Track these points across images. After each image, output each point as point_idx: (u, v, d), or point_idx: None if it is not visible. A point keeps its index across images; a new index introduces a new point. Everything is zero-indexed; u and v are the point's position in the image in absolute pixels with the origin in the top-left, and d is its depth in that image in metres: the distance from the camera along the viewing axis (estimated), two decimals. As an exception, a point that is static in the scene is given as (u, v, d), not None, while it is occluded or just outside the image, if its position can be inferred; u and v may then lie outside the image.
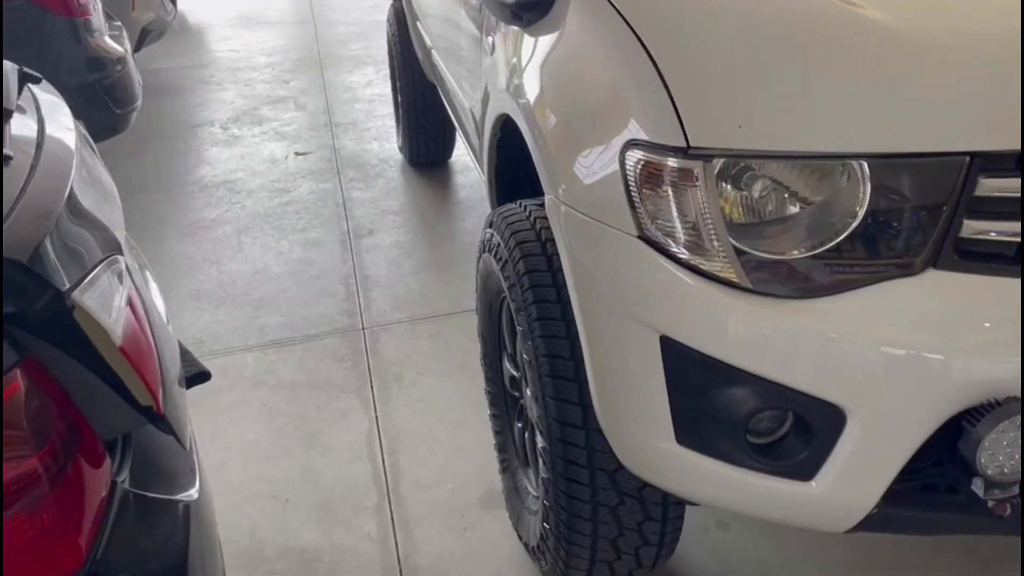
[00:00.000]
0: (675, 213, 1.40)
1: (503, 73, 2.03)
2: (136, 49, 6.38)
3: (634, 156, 1.44)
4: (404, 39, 4.40)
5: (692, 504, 1.75)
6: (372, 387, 2.95)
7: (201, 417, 2.79)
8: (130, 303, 1.26)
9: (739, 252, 1.37)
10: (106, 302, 1.17)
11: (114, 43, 4.66)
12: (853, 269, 1.36)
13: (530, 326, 1.79)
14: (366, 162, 5.00)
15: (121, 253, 1.35)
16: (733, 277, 1.37)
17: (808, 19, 1.48)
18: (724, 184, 1.39)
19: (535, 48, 1.87)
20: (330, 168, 4.93)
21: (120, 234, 1.47)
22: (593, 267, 1.55)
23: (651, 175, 1.42)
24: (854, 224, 1.36)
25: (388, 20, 4.75)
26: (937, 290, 1.33)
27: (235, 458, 2.63)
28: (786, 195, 1.39)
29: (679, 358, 1.43)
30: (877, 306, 1.34)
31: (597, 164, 1.52)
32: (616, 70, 1.59)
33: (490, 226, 2.02)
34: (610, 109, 1.53)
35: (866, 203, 1.35)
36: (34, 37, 4.26)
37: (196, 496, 1.39)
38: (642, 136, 1.44)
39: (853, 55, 1.42)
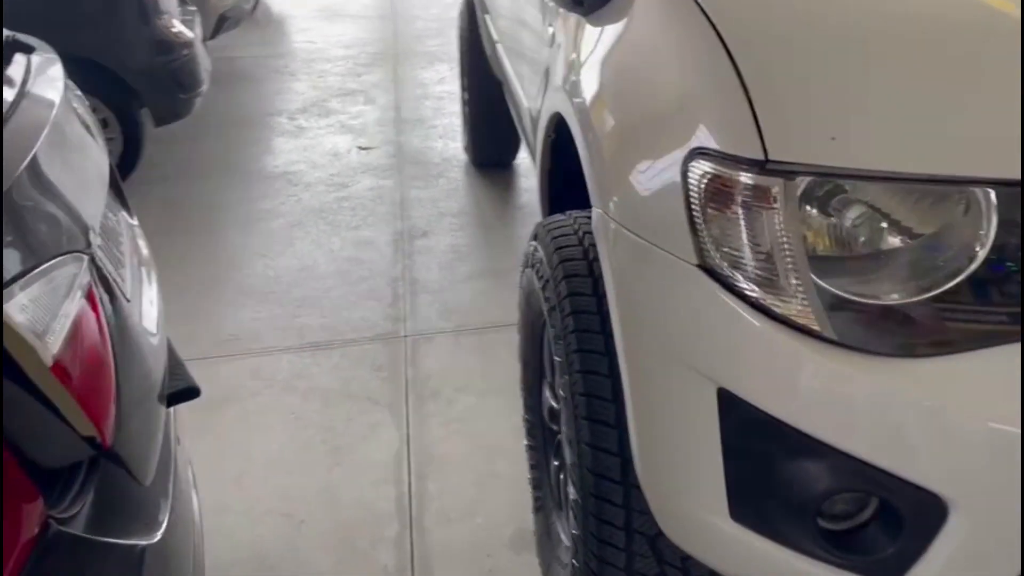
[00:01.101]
0: (745, 240, 1.14)
1: (561, 67, 1.79)
2: (212, 35, 6.35)
3: (699, 168, 1.18)
4: (474, 34, 4.20)
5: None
6: (407, 402, 2.74)
7: (227, 422, 2.64)
8: (84, 313, 1.06)
9: (822, 292, 1.11)
10: (44, 310, 0.98)
11: (183, 27, 4.58)
12: (967, 323, 1.08)
13: (568, 358, 1.55)
14: (429, 160, 4.81)
15: (87, 249, 1.16)
16: (813, 323, 1.11)
17: (928, 9, 1.20)
18: (808, 208, 1.12)
19: (597, 40, 1.63)
20: (392, 165, 4.76)
21: (96, 224, 1.28)
22: (642, 298, 1.30)
23: (719, 192, 1.16)
24: (972, 266, 1.08)
25: (460, 13, 4.56)
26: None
27: (256, 470, 2.45)
28: (886, 225, 1.12)
29: (739, 418, 1.17)
30: (994, 373, 1.06)
31: (656, 176, 1.27)
32: (687, 68, 1.34)
33: (535, 238, 1.79)
34: (676, 113, 1.28)
35: (990, 241, 1.08)
36: (103, 18, 4.20)
37: (156, 539, 1.19)
38: (711, 145, 1.18)
39: (983, 57, 1.14)
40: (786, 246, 1.11)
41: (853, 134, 1.11)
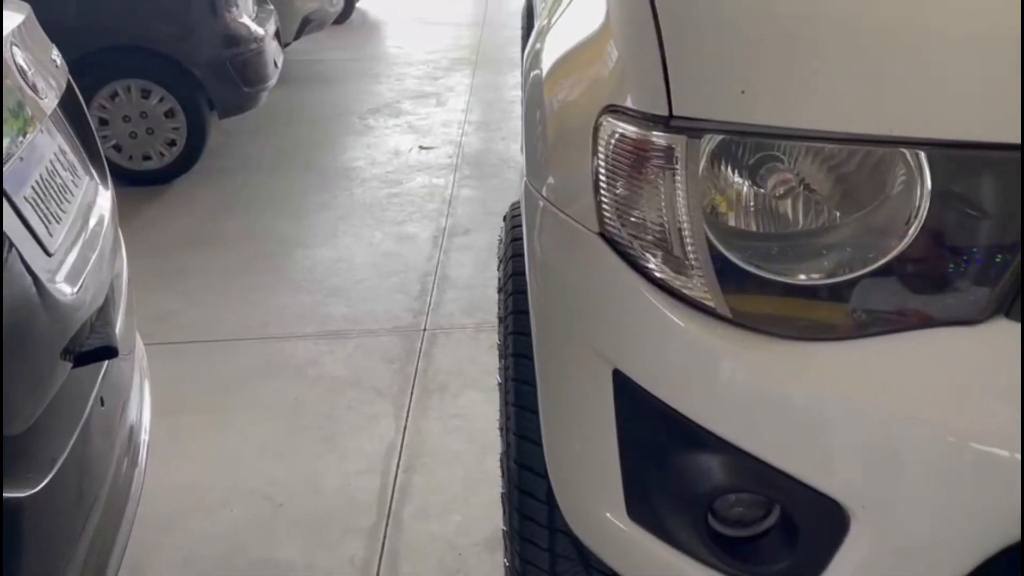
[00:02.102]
0: (644, 204, 1.02)
1: (532, 42, 1.70)
2: (296, 36, 6.52)
3: (606, 128, 1.07)
4: (531, 32, 4.14)
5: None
6: (412, 394, 2.68)
7: (232, 403, 2.64)
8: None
9: (723, 266, 0.98)
10: None
11: (254, 23, 4.69)
12: (889, 310, 0.93)
13: (505, 341, 1.45)
14: (486, 161, 4.77)
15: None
16: (709, 300, 0.98)
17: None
18: (719, 172, 0.99)
19: (560, 11, 1.53)
20: (448, 164, 4.74)
21: None
22: (549, 269, 1.19)
23: (622, 152, 1.04)
24: (902, 245, 0.94)
25: (521, 14, 4.51)
26: (1005, 350, 0.88)
27: (248, 451, 2.44)
28: (808, 198, 0.98)
29: (633, 403, 1.05)
30: (917, 362, 0.91)
31: (571, 138, 1.16)
32: (615, 30, 1.22)
33: (503, 220, 1.70)
34: (595, 69, 1.17)
35: (923, 214, 0.93)
36: (174, 12, 4.34)
37: (29, 493, 1.16)
38: (621, 102, 1.07)
39: (916, 5, 0.99)
40: (684, 212, 0.99)
41: (764, 88, 0.97)
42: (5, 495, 1.12)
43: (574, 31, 1.33)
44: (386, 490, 2.28)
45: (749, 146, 0.99)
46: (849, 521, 0.93)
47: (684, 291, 0.99)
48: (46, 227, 1.42)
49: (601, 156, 1.07)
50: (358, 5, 9.47)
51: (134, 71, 4.31)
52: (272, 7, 5.31)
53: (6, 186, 1.33)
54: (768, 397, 0.94)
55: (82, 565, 1.32)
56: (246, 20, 4.60)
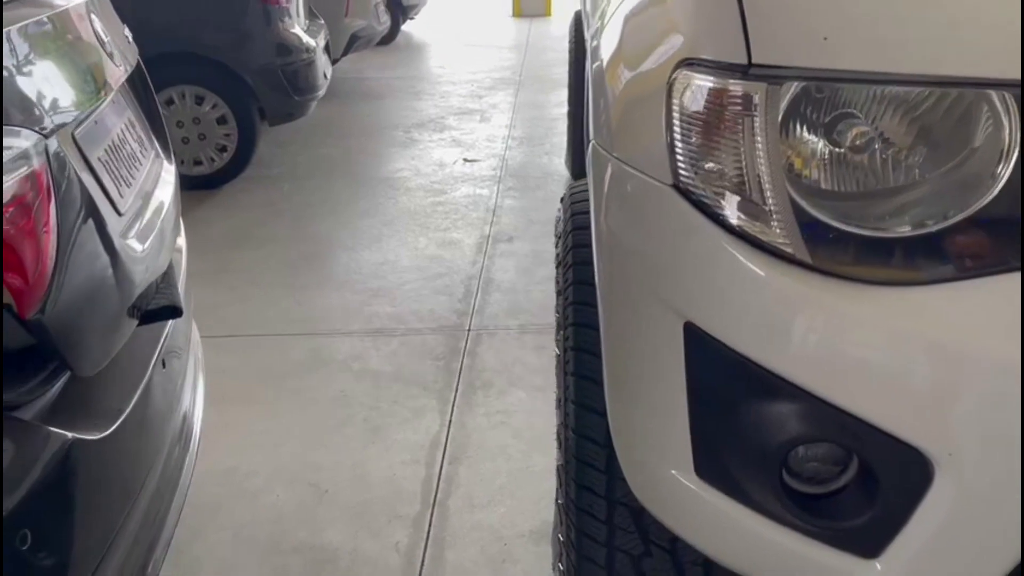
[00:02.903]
0: (721, 153, 1.01)
1: (594, 21, 1.71)
2: (344, 52, 6.63)
3: (682, 79, 1.06)
4: (580, 46, 4.16)
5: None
6: (456, 390, 2.67)
7: (277, 394, 2.65)
8: (26, 185, 1.06)
9: (802, 215, 0.96)
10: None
11: (306, 34, 4.78)
12: (975, 255, 0.91)
13: (564, 312, 1.44)
14: (529, 174, 4.79)
15: (44, 131, 1.16)
16: (787, 246, 0.96)
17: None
18: (800, 125, 0.98)
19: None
20: (493, 176, 4.76)
21: (69, 118, 1.28)
22: (617, 226, 1.18)
23: (699, 103, 1.03)
24: (989, 195, 0.92)
25: (569, 26, 4.55)
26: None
27: (293, 440, 2.44)
28: (891, 152, 0.97)
29: (705, 356, 1.03)
30: (1004, 306, 0.88)
31: (644, 94, 1.16)
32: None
33: (560, 202, 1.70)
34: (668, 24, 1.17)
35: (1014, 159, 0.91)
36: (229, 20, 4.43)
37: (96, 438, 1.17)
38: (697, 54, 1.06)
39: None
40: (763, 159, 0.98)
41: (848, 33, 0.96)
42: (77, 436, 1.13)
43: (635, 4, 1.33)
44: (431, 481, 2.26)
45: (825, 103, 0.98)
46: (933, 472, 0.90)
47: (761, 238, 0.98)
48: (117, 188, 1.44)
49: (677, 110, 1.07)
50: (403, 27, 9.62)
51: (189, 78, 4.40)
52: (323, 22, 5.41)
53: (82, 145, 1.36)
54: (850, 343, 0.92)
55: (135, 532, 1.32)
56: (298, 31, 4.69)
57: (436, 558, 2.00)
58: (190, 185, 4.50)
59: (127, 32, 1.81)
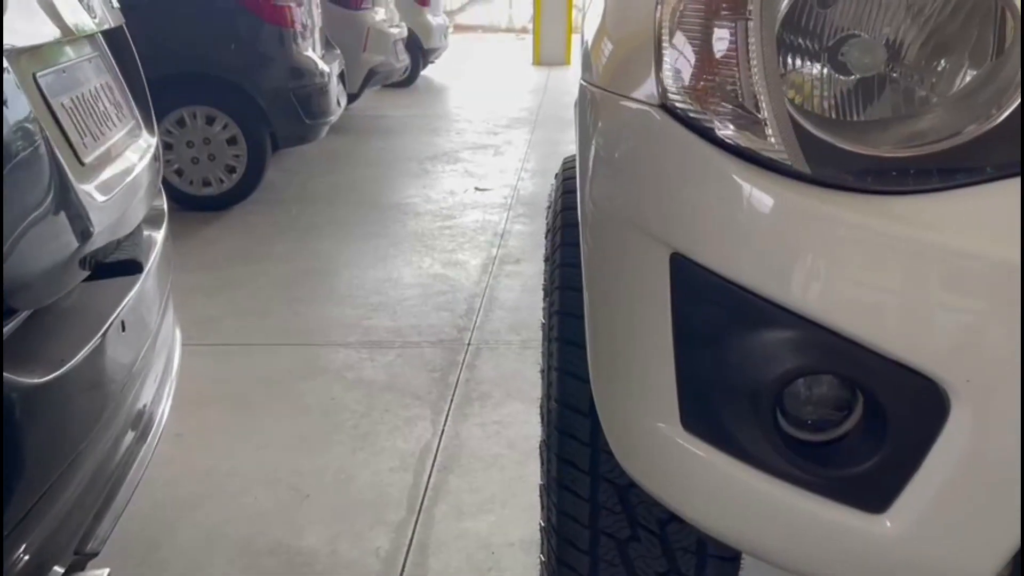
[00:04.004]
0: (712, 65, 0.92)
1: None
2: (361, 87, 6.67)
3: (673, -7, 0.98)
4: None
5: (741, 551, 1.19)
6: (452, 400, 2.56)
7: (267, 398, 2.56)
8: None
9: (801, 130, 0.87)
10: None
11: (320, 59, 4.79)
12: (989, 163, 0.81)
13: (551, 276, 1.34)
14: (540, 202, 4.72)
15: None
16: (787, 159, 0.87)
17: None
18: (798, 39, 0.89)
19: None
20: (503, 204, 4.71)
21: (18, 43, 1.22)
22: (601, 156, 1.09)
23: (687, 14, 0.95)
24: (1002, 115, 0.82)
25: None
26: None
27: (278, 442, 2.33)
28: (904, 77, 0.88)
29: (693, 289, 0.92)
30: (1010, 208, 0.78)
31: (631, 17, 1.07)
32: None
33: (555, 178, 1.61)
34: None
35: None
36: (243, 39, 4.44)
37: (31, 382, 1.07)
38: (689, -32, 0.98)
39: None
40: (757, 65, 0.88)
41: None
42: (11, 377, 1.04)
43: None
44: (419, 488, 2.14)
45: (828, 25, 0.90)
46: (949, 404, 0.78)
47: (756, 150, 0.88)
48: (81, 138, 1.37)
49: (666, 27, 0.98)
50: (423, 71, 9.71)
51: (201, 98, 4.40)
52: (339, 52, 5.44)
53: (43, 87, 1.29)
54: (855, 259, 0.82)
55: (76, 497, 1.22)
56: (311, 55, 4.70)
57: (418, 564, 1.87)
58: (198, 206, 4.47)
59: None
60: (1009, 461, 0.76)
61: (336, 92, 4.92)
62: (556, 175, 1.63)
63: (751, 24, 0.90)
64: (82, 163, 1.34)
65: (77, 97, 1.41)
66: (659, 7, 0.99)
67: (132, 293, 1.44)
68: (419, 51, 8.93)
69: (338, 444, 2.33)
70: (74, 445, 1.18)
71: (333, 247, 3.98)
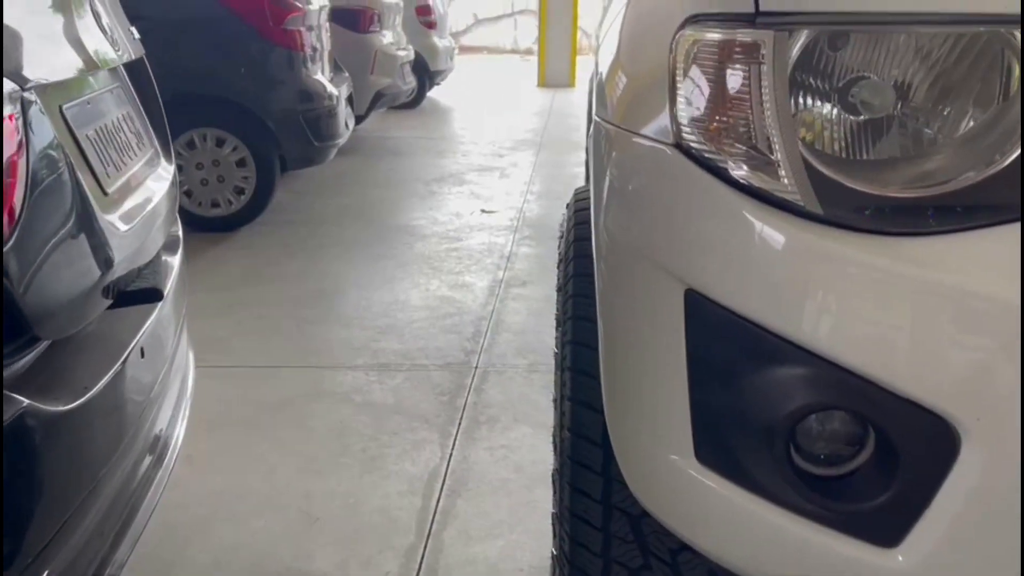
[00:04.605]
0: (725, 107, 0.94)
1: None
2: (369, 109, 6.72)
3: (686, 37, 1.01)
4: (599, 95, 4.17)
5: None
6: (459, 424, 2.57)
7: (276, 422, 2.57)
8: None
9: (813, 172, 0.89)
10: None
11: (328, 83, 4.84)
12: (998, 205, 0.83)
13: (564, 306, 1.36)
14: (546, 224, 4.75)
15: (23, 84, 1.12)
16: (797, 198, 0.89)
17: None
18: (811, 99, 0.92)
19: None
20: (509, 226, 4.74)
21: (47, 78, 1.24)
22: (615, 191, 1.11)
23: (702, 57, 0.98)
24: (1008, 158, 0.84)
25: (589, 82, 4.57)
26: None
27: (287, 467, 2.34)
28: (912, 117, 0.90)
29: (707, 324, 0.94)
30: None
31: (647, 56, 1.10)
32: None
33: (566, 208, 1.64)
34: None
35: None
36: (254, 62, 4.49)
37: (57, 409, 1.09)
38: (702, 9, 1.01)
39: None
40: (770, 109, 0.91)
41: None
42: (34, 404, 1.06)
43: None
44: (427, 512, 2.15)
45: (839, 65, 0.92)
46: (959, 441, 0.80)
47: (769, 191, 0.90)
48: (104, 167, 1.40)
49: (681, 68, 1.01)
50: (429, 93, 9.79)
51: (211, 120, 4.44)
52: (347, 75, 5.49)
53: (69, 119, 1.32)
54: (867, 298, 0.84)
55: (97, 524, 1.23)
56: (321, 78, 4.75)
57: (427, 590, 1.88)
58: (207, 227, 4.50)
59: (134, 30, 1.80)
60: (1020, 498, 0.78)
61: (344, 115, 4.96)
62: (568, 204, 1.65)
63: (764, 68, 0.92)
64: (105, 193, 1.37)
65: (101, 128, 1.44)
66: (673, 48, 1.02)
67: (151, 319, 1.46)
68: (425, 73, 9.00)
69: (347, 467, 2.34)
70: (95, 472, 1.20)
71: (341, 268, 4.00)
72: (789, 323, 0.88)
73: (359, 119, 6.48)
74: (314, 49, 4.75)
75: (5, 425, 1.01)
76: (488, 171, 6.21)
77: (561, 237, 1.57)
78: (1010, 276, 0.78)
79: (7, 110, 1.04)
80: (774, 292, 0.89)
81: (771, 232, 0.90)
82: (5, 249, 1.00)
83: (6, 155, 1.01)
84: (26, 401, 1.05)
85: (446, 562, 1.96)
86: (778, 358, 0.89)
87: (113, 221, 1.33)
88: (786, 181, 0.90)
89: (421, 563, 1.96)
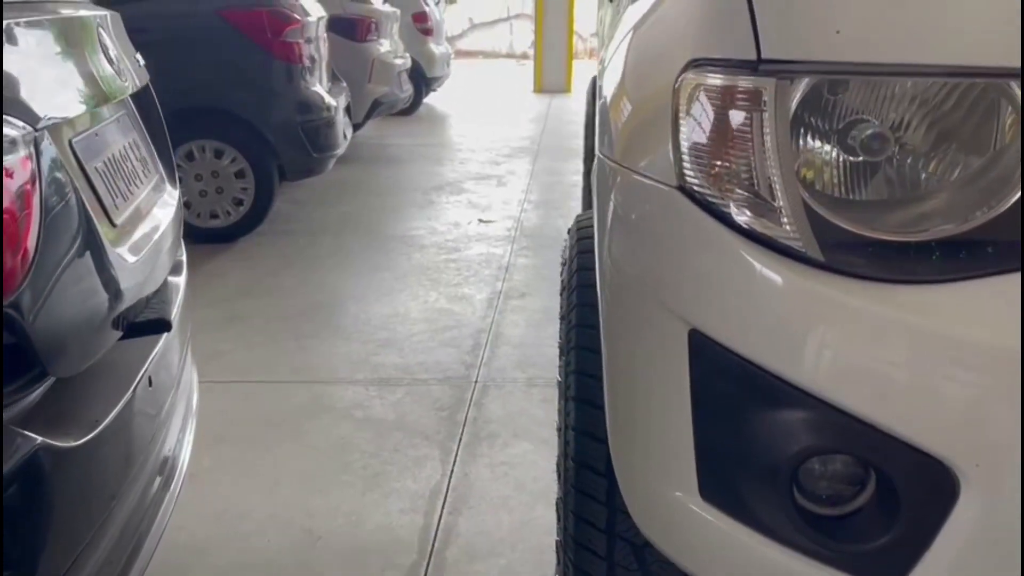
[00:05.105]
0: (727, 152, 0.96)
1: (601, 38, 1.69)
2: (366, 117, 6.73)
3: (689, 81, 1.03)
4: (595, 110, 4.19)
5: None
6: (460, 440, 2.59)
7: (276, 438, 2.58)
8: (10, 174, 1.02)
9: (814, 216, 0.91)
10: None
11: (327, 94, 4.85)
12: (1000, 254, 0.86)
13: (567, 336, 1.38)
14: (544, 234, 4.77)
15: (34, 125, 1.14)
16: (799, 245, 0.91)
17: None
18: (812, 139, 0.94)
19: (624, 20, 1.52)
20: (507, 236, 4.75)
21: (59, 115, 1.26)
22: (621, 233, 1.13)
23: (704, 103, 1.00)
24: (1011, 200, 0.87)
25: (587, 91, 4.59)
26: None
27: (289, 484, 2.36)
28: (913, 152, 0.92)
29: (711, 364, 0.96)
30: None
31: (650, 98, 1.12)
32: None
33: (567, 234, 1.66)
34: (673, 28, 1.14)
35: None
36: (253, 74, 4.50)
37: (68, 445, 1.11)
38: (704, 54, 1.03)
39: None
40: (772, 157, 0.93)
41: (862, 25, 0.93)
42: (47, 441, 1.07)
43: (644, 8, 1.30)
44: (429, 530, 2.16)
45: (839, 107, 0.94)
46: (959, 486, 0.82)
47: (771, 237, 0.93)
48: (113, 199, 1.41)
49: (684, 111, 1.03)
50: (426, 99, 9.80)
51: (210, 132, 4.45)
52: (345, 85, 5.51)
53: (79, 152, 1.34)
54: (868, 344, 0.86)
55: (108, 552, 1.25)
56: (319, 89, 4.77)
57: (430, 609, 1.90)
58: (205, 238, 4.51)
59: (139, 57, 1.81)
60: (1016, 542, 0.80)
61: (343, 125, 4.98)
62: (569, 231, 1.67)
63: (766, 115, 0.94)
64: (114, 225, 1.38)
65: (108, 159, 1.46)
66: (677, 92, 1.04)
67: (158, 348, 1.47)
68: (422, 80, 9.02)
69: (348, 485, 2.36)
70: (106, 503, 1.22)
71: (340, 280, 4.02)
72: (791, 366, 0.90)
73: (356, 127, 6.49)
74: (312, 60, 4.77)
75: (18, 463, 1.03)
76: (485, 179, 6.23)
77: (564, 264, 1.59)
78: (1008, 325, 0.80)
79: (21, 152, 1.05)
80: (776, 336, 0.91)
81: (773, 276, 0.92)
82: (21, 288, 1.01)
83: (22, 198, 1.02)
84: (39, 439, 1.06)
85: (448, 581, 1.98)
86: (781, 400, 0.91)
87: (122, 253, 1.35)
88: (788, 227, 0.92)
89: (423, 582, 1.98)
